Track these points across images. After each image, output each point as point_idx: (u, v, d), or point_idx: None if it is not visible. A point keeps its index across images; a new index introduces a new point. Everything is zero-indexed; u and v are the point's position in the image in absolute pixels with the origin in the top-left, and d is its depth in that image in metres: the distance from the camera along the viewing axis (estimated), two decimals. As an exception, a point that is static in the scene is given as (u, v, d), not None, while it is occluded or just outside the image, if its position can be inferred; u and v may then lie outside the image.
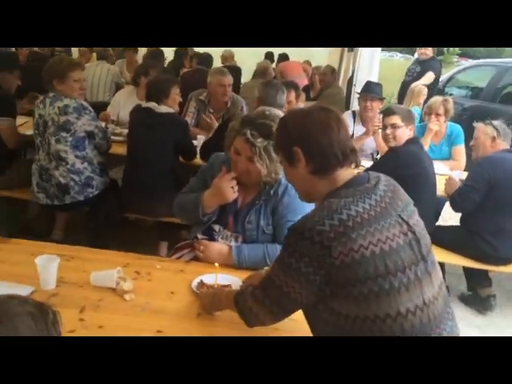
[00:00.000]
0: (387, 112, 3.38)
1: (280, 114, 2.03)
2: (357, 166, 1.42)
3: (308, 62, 7.93)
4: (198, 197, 2.05)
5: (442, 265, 3.25)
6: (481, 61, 7.44)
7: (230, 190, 1.99)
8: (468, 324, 3.36)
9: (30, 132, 3.50)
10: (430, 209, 3.24)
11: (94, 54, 6.75)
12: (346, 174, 1.37)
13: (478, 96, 6.96)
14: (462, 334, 1.52)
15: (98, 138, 3.18)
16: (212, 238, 2.10)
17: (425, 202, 2.93)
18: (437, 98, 4.17)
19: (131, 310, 1.63)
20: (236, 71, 5.92)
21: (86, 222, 3.47)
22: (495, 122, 3.44)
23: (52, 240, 3.26)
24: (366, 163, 3.97)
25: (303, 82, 6.46)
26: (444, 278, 3.08)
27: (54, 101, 2.97)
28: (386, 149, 3.89)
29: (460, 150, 4.15)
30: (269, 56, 8.67)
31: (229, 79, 4.10)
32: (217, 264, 1.85)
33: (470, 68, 7.64)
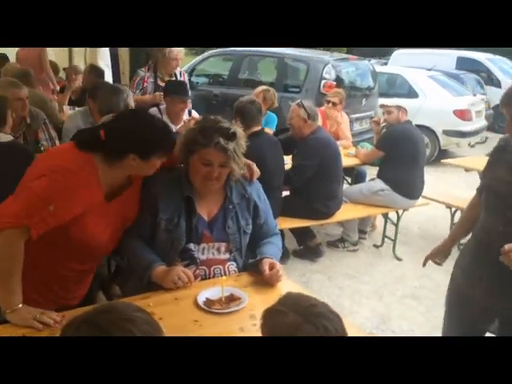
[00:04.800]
0: None
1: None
2: None
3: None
4: (146, 270, 1.96)
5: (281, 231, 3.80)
6: (216, 51, 7.74)
7: (175, 281, 1.91)
8: (309, 271, 4.09)
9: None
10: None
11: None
12: None
13: (222, 83, 7.48)
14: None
15: None
16: (192, 258, 2.04)
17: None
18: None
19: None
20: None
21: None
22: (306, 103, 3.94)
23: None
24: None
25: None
26: (283, 243, 3.64)
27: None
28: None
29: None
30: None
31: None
32: (224, 277, 1.89)
33: (208, 58, 7.65)
